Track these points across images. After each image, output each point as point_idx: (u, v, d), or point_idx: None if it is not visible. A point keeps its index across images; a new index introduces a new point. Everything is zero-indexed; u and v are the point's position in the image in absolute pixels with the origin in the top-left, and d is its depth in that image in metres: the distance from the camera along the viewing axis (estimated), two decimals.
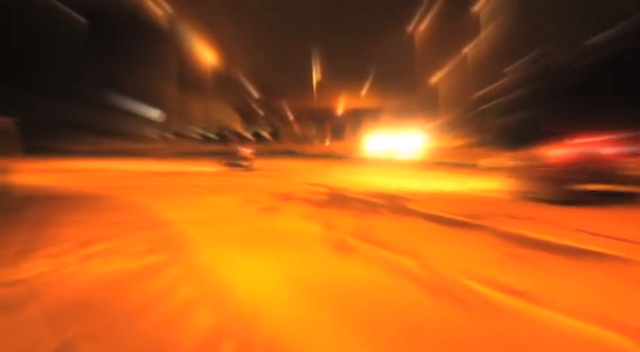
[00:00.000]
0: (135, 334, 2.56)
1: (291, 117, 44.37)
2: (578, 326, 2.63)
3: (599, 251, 4.39)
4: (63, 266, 3.93)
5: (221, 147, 30.94)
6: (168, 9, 38.61)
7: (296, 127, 44.49)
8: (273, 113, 44.27)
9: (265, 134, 44.21)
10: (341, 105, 43.57)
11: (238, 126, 43.91)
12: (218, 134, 41.99)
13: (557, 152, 10.38)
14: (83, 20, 34.51)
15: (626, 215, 7.29)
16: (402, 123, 41.40)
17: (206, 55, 40.54)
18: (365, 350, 2.38)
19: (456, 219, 6.41)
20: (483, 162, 19.63)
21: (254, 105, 44.05)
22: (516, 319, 2.75)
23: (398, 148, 35.57)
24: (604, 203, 8.11)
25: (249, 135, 43.28)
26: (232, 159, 19.63)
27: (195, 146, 37.98)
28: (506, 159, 12.16)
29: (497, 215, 6.75)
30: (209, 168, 19.90)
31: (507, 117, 30.77)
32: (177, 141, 38.58)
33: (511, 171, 11.19)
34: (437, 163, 26.24)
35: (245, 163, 19.45)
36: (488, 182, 12.24)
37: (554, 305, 2.93)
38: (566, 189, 9.20)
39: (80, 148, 29.15)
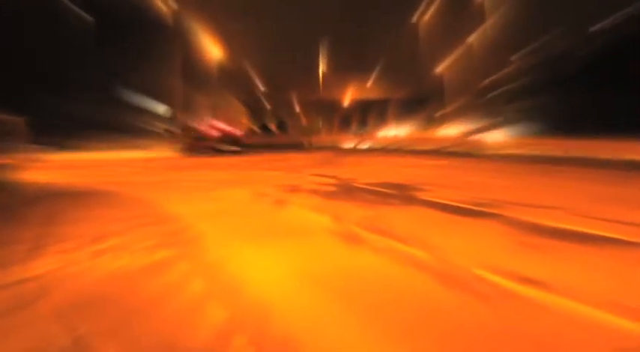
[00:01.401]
0: (147, 329, 2.55)
1: (298, 109, 44.27)
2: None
3: None
4: (73, 262, 3.94)
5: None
6: (174, 4, 38.52)
7: (303, 119, 44.38)
8: (280, 106, 44.18)
9: (272, 127, 44.14)
10: (348, 96, 43.36)
11: (245, 119, 43.97)
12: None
13: (205, 127, 27.13)
14: (89, 17, 34.54)
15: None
16: (408, 113, 41.27)
17: (212, 49, 40.45)
18: (376, 341, 2.36)
19: None
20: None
21: (261, 98, 43.99)
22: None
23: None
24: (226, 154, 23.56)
25: (255, 128, 43.35)
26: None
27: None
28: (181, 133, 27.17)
29: None
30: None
31: (515, 104, 30.60)
32: (185, 136, 38.70)
33: (180, 140, 26.10)
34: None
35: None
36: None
37: None
38: (209, 146, 24.66)
39: (88, 144, 29.77)
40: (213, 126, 26.44)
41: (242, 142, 26.86)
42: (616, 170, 12.33)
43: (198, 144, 25.47)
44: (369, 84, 42.66)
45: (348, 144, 36.47)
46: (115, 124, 33.65)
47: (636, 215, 5.59)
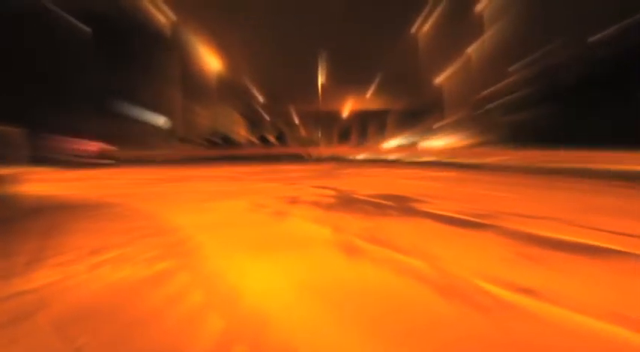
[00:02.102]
0: (146, 341, 2.55)
1: (297, 120, 44.39)
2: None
3: None
4: (73, 274, 3.93)
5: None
6: (172, 16, 38.76)
7: (302, 131, 44.50)
8: (279, 117, 44.27)
9: (271, 138, 44.16)
10: (347, 107, 43.51)
11: (244, 131, 43.99)
12: (223, 139, 42.08)
13: (79, 146, 31.09)
14: (88, 29, 34.68)
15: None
16: (408, 124, 41.39)
17: (211, 61, 40.65)
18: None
19: None
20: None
21: (260, 110, 44.09)
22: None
23: None
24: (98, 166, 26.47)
25: (254, 139, 43.32)
26: None
27: (200, 151, 38.16)
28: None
29: None
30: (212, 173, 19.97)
31: (513, 116, 30.70)
32: (183, 147, 38.66)
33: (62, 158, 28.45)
34: None
35: None
36: None
37: None
38: (86, 162, 29.26)
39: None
40: (86, 144, 32.15)
41: (114, 156, 32.57)
42: (612, 181, 12.37)
43: (77, 160, 30.19)
44: (368, 95, 42.80)
45: (348, 155, 36.38)
46: (111, 137, 34.06)
47: (630, 225, 5.62)
